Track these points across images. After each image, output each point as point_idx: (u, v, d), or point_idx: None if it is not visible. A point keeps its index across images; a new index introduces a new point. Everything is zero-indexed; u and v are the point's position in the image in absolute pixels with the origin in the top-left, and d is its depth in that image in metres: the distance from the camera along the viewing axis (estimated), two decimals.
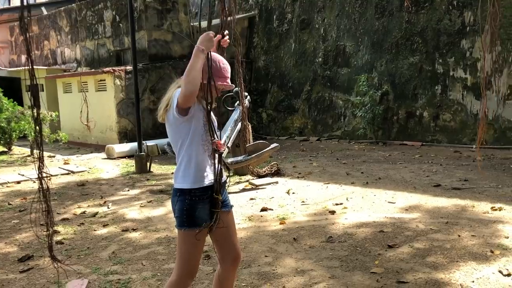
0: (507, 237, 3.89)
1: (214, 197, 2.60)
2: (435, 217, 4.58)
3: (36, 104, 2.65)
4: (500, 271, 3.26)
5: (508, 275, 3.20)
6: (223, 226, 2.66)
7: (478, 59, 8.66)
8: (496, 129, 8.43)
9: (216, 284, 2.80)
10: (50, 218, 3.02)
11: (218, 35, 2.62)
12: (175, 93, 2.50)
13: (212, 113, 2.68)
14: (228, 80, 2.60)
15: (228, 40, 2.68)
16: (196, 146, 2.52)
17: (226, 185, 2.69)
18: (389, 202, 5.23)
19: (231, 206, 2.77)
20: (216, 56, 2.58)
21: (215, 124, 2.65)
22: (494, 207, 4.72)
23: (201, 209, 2.50)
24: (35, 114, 2.69)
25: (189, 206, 2.49)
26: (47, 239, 3.01)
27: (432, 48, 9.39)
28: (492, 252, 3.60)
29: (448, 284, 3.13)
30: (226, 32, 2.69)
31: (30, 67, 2.57)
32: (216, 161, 2.59)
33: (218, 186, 2.62)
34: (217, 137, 2.64)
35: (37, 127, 2.71)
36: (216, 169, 2.59)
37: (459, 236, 4.00)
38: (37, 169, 2.76)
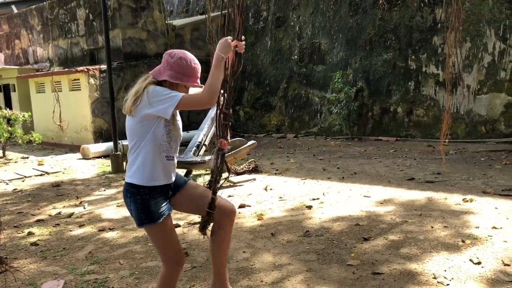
0: (477, 227, 4.01)
1: (213, 197, 2.63)
2: (409, 209, 4.69)
3: None
4: (471, 260, 3.36)
5: (478, 263, 3.30)
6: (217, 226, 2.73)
7: (448, 53, 8.85)
8: (468, 124, 8.65)
9: (213, 249, 2.78)
10: None
11: (234, 41, 2.61)
12: (151, 89, 2.48)
13: (178, 115, 2.69)
14: (198, 81, 2.61)
15: (244, 46, 2.66)
16: (154, 146, 2.52)
17: (219, 184, 2.71)
18: (364, 196, 5.32)
19: (186, 180, 2.78)
20: (187, 55, 2.58)
21: (180, 123, 2.66)
22: (466, 198, 4.85)
23: (154, 204, 2.53)
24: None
25: (142, 204, 2.51)
26: None
27: (405, 44, 9.57)
28: (463, 242, 3.70)
29: (422, 274, 3.22)
30: (243, 37, 2.68)
31: None
32: (219, 160, 2.61)
33: (215, 186, 2.65)
34: (221, 137, 2.65)
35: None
36: (217, 168, 2.61)
37: (432, 227, 4.10)
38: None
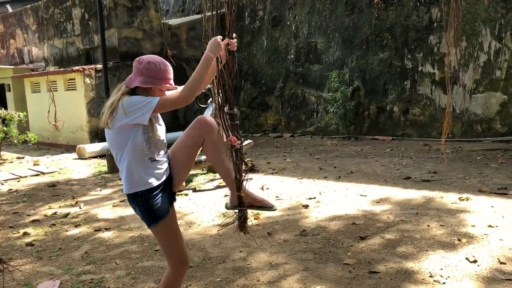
0: (473, 226, 4.02)
1: (239, 194, 2.62)
2: (405, 208, 4.69)
3: None
4: (466, 258, 3.37)
5: (474, 261, 3.31)
6: (247, 225, 2.74)
7: (446, 54, 8.87)
8: (464, 122, 8.67)
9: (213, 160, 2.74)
10: None
11: (226, 39, 2.59)
12: (125, 100, 2.45)
13: (159, 116, 2.67)
14: (171, 81, 2.58)
15: (236, 44, 2.64)
16: (135, 154, 2.50)
17: (246, 182, 2.69)
18: (361, 195, 5.32)
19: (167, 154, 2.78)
20: (156, 58, 2.55)
21: (163, 127, 2.65)
22: (462, 197, 4.86)
23: (155, 202, 2.53)
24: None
25: (144, 206, 2.53)
26: None
27: (401, 44, 9.58)
28: (459, 240, 3.71)
29: (418, 273, 3.22)
30: (234, 35, 2.65)
31: None
32: (234, 157, 2.59)
33: (239, 183, 2.62)
34: (231, 134, 2.62)
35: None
36: (236, 165, 2.59)
37: (428, 226, 4.11)
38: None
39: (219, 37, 2.55)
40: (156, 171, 2.56)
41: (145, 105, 2.42)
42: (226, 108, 2.76)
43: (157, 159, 2.56)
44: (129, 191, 2.54)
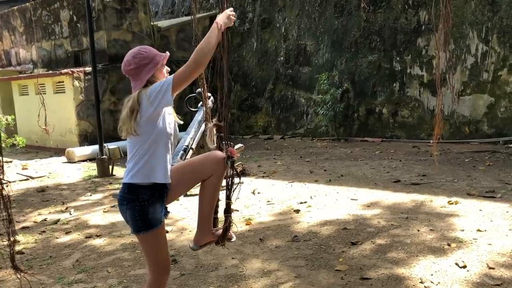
0: (463, 230, 4.07)
1: (226, 201, 2.66)
2: (395, 212, 4.74)
3: None
4: (456, 264, 3.41)
5: (464, 266, 3.36)
6: (230, 237, 2.83)
7: (434, 56, 8.97)
8: (452, 124, 8.77)
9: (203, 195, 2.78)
10: (11, 227, 2.95)
11: (224, 12, 2.65)
12: (147, 91, 2.44)
13: (174, 113, 2.68)
14: (160, 52, 2.60)
15: (234, 17, 2.68)
16: (161, 144, 2.51)
17: (237, 191, 2.74)
18: (351, 199, 5.36)
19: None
20: (133, 51, 2.56)
21: (175, 126, 2.67)
22: (451, 201, 4.92)
23: (152, 210, 2.51)
24: None
25: (140, 211, 2.49)
26: (9, 249, 2.93)
27: (389, 46, 9.65)
28: (449, 245, 3.76)
29: (409, 279, 3.26)
30: (231, 9, 2.71)
31: None
32: (229, 168, 2.63)
33: (230, 192, 2.66)
34: (229, 146, 2.67)
35: None
36: (229, 176, 2.62)
37: (418, 230, 4.16)
38: None
39: (229, 10, 2.62)
40: (167, 170, 2.57)
41: (163, 86, 2.43)
42: (214, 120, 2.83)
43: (172, 155, 2.59)
44: (133, 181, 2.48)
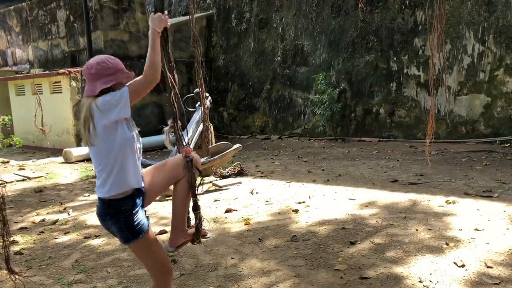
0: (460, 229, 4.10)
1: (193, 199, 2.69)
2: (393, 212, 4.76)
3: None
4: (455, 263, 3.44)
5: (462, 266, 3.38)
6: (205, 234, 2.85)
7: (430, 56, 9.00)
8: (448, 124, 8.81)
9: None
10: (6, 230, 2.96)
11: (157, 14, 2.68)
12: (98, 102, 2.44)
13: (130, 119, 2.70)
14: (125, 70, 2.60)
15: (168, 20, 2.71)
16: (128, 150, 2.51)
17: (200, 188, 2.80)
18: (349, 198, 5.38)
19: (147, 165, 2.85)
20: (101, 57, 2.57)
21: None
22: (448, 200, 4.95)
23: (136, 219, 2.52)
24: None
25: (126, 222, 2.49)
26: (4, 251, 2.94)
27: (386, 46, 9.68)
28: (447, 244, 3.78)
29: (408, 278, 3.28)
30: (166, 12, 2.76)
31: None
32: (189, 167, 2.66)
33: (194, 189, 2.70)
34: (186, 144, 2.72)
35: None
36: (190, 175, 2.65)
37: (416, 230, 4.18)
38: None
39: (160, 14, 2.66)
40: (140, 172, 2.59)
41: (120, 99, 2.43)
42: (169, 121, 2.89)
43: (139, 156, 2.60)
44: (111, 195, 2.47)
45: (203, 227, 2.85)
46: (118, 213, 2.49)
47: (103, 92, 2.49)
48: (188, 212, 2.89)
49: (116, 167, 2.49)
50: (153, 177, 2.69)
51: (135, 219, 2.51)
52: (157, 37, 2.58)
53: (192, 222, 2.90)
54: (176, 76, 2.89)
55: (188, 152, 2.71)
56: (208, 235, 2.95)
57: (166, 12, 2.78)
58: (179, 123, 2.90)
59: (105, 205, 2.52)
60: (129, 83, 2.55)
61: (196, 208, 2.77)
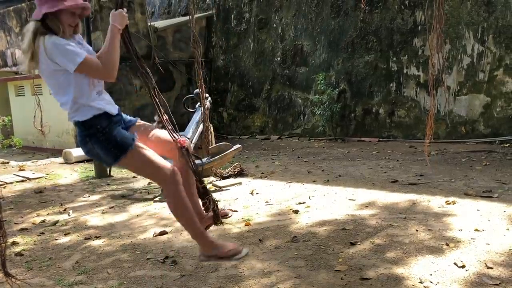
0: (461, 230, 4.10)
1: (200, 186, 2.72)
2: (393, 212, 4.76)
3: None
4: (455, 263, 3.44)
5: (463, 266, 3.38)
6: (226, 214, 2.89)
7: (430, 57, 9.00)
8: (448, 124, 8.82)
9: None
10: (2, 233, 2.94)
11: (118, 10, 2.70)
12: (46, 42, 2.39)
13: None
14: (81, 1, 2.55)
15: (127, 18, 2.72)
16: (82, 88, 2.52)
17: (200, 167, 2.85)
18: (349, 199, 5.38)
19: (135, 119, 2.85)
20: None
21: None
22: (448, 201, 4.95)
23: (117, 132, 2.51)
24: None
25: (108, 138, 2.48)
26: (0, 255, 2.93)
27: (386, 46, 9.69)
28: (447, 245, 3.79)
29: (408, 279, 3.28)
30: (125, 9, 2.77)
31: None
32: (187, 157, 2.68)
33: (198, 175, 2.73)
34: (178, 136, 2.74)
35: None
36: (191, 165, 2.67)
37: (416, 230, 4.18)
38: None
39: (123, 10, 2.68)
40: (107, 102, 2.60)
41: (71, 54, 2.39)
42: (156, 117, 2.91)
43: (101, 90, 2.62)
44: (83, 119, 2.47)
45: (222, 207, 2.87)
46: (96, 132, 2.48)
47: (51, 25, 2.42)
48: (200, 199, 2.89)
49: (82, 99, 2.51)
50: (146, 140, 2.69)
51: (115, 134, 2.49)
52: (118, 34, 2.53)
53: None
54: (149, 71, 2.88)
55: (182, 143, 2.71)
56: (229, 214, 2.96)
57: (125, 9, 2.76)
58: (165, 116, 2.90)
59: (82, 127, 2.52)
60: (91, 55, 2.50)
61: (206, 193, 2.77)
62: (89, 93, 2.58)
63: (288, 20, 11.46)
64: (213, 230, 4.58)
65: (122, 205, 5.90)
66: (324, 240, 4.15)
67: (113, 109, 2.64)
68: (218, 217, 2.84)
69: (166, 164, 2.63)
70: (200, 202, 2.96)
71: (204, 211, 2.92)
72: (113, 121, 2.53)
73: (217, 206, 2.81)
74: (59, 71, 2.46)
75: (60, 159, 9.75)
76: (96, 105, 2.57)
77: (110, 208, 5.81)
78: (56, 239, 4.75)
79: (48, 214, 5.74)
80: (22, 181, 7.89)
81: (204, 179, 7.01)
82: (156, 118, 3.01)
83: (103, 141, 2.46)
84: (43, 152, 11.02)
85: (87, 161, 9.32)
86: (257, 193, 5.99)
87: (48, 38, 2.42)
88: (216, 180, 6.86)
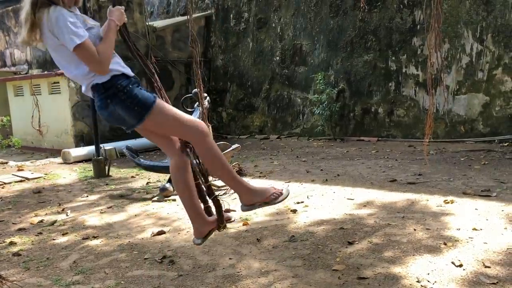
0: (458, 229, 4.10)
1: (206, 186, 2.72)
2: (391, 212, 4.76)
3: None
4: (452, 262, 3.43)
5: (460, 265, 3.38)
6: (229, 219, 2.93)
7: (428, 56, 8.99)
8: (447, 123, 8.81)
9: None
10: None
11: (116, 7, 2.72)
12: (51, 13, 2.33)
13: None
14: None
15: (125, 15, 2.74)
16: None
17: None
18: (348, 198, 5.38)
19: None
20: None
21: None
22: (446, 200, 4.94)
23: (138, 90, 2.48)
24: None
25: (130, 97, 2.44)
26: None
27: (385, 46, 9.68)
28: (445, 244, 3.78)
29: (406, 278, 3.28)
30: (123, 7, 2.80)
31: None
32: (192, 155, 2.71)
33: (206, 176, 2.84)
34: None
35: None
36: (195, 163, 2.68)
37: (414, 229, 4.18)
38: None
39: (121, 8, 2.70)
40: (123, 66, 2.59)
41: (72, 33, 2.33)
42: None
43: (116, 55, 2.61)
44: (104, 79, 2.42)
45: (227, 211, 2.86)
46: (118, 92, 2.43)
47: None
48: (206, 202, 2.88)
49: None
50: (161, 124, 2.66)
51: (136, 92, 2.45)
52: (115, 29, 2.53)
53: (213, 209, 2.89)
54: (151, 66, 2.89)
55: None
56: (232, 219, 2.94)
57: (123, 7, 2.78)
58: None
59: (103, 89, 2.45)
60: (92, 43, 2.46)
61: (211, 194, 2.75)
62: None
63: (287, 19, 11.45)
64: None
65: (120, 205, 5.89)
66: (321, 239, 4.15)
67: (130, 72, 2.61)
68: (222, 219, 2.81)
69: (191, 118, 2.62)
70: (202, 206, 2.93)
71: (206, 215, 2.88)
72: (132, 81, 2.50)
73: (222, 207, 2.79)
74: (64, 45, 2.43)
75: (59, 159, 9.74)
76: (113, 66, 2.52)
77: (108, 208, 5.80)
78: (54, 239, 4.75)
79: (46, 214, 5.74)
80: (21, 181, 7.88)
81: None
82: None
83: (125, 100, 2.40)
84: (42, 152, 11.01)
85: (86, 161, 9.31)
86: None
87: (53, 11, 2.35)
88: (215, 180, 6.84)
